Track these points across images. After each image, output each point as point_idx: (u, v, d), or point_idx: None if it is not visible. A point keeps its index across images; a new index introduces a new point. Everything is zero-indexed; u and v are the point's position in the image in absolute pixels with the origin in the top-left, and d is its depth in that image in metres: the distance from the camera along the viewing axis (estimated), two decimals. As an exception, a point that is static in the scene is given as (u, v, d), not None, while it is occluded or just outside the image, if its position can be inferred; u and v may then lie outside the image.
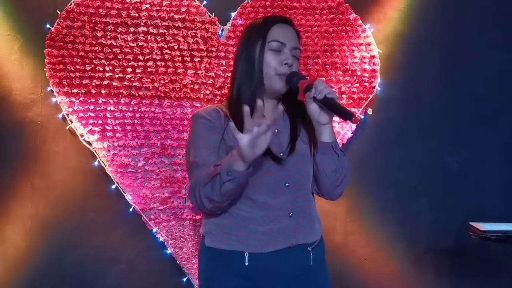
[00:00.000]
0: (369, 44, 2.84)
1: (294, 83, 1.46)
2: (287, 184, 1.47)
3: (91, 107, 2.68)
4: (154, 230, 2.77)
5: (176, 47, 2.72)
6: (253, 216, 1.42)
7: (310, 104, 1.43)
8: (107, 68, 2.68)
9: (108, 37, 2.68)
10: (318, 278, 1.46)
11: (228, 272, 1.39)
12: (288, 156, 1.47)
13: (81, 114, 2.68)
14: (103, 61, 2.68)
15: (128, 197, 2.73)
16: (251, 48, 1.48)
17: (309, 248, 1.46)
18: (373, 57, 2.84)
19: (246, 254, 1.38)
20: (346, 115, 1.38)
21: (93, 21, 2.66)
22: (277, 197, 1.44)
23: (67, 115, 2.69)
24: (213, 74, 2.75)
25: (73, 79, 2.66)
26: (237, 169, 1.29)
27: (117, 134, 2.71)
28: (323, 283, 1.50)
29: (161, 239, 2.78)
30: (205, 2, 2.75)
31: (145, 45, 2.70)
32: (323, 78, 1.45)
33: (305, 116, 1.49)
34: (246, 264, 1.37)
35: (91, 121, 2.69)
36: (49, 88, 2.68)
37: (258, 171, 1.41)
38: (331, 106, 1.41)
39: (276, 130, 1.49)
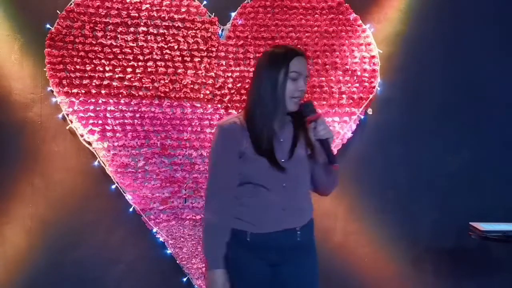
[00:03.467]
0: (369, 44, 2.84)
1: (304, 114, 1.83)
2: (284, 185, 1.84)
3: (91, 107, 2.68)
4: (154, 230, 2.77)
5: (176, 47, 2.73)
6: (257, 206, 1.85)
7: (310, 133, 1.82)
8: (107, 68, 2.68)
9: (108, 37, 2.68)
10: (304, 249, 1.91)
11: (236, 244, 1.85)
12: (288, 161, 1.84)
13: (81, 114, 2.68)
14: (103, 61, 2.68)
15: (128, 197, 2.74)
16: (276, 75, 1.82)
17: (297, 228, 1.87)
18: (373, 57, 2.84)
19: (248, 233, 1.84)
20: (329, 159, 1.78)
21: (93, 21, 2.66)
22: (275, 194, 1.84)
23: (67, 115, 2.69)
24: (213, 74, 2.75)
25: (73, 79, 2.66)
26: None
27: (117, 134, 2.71)
28: (310, 253, 1.95)
29: (161, 239, 2.78)
30: (205, 2, 2.75)
31: (145, 45, 2.71)
32: (326, 119, 1.89)
33: (306, 127, 1.84)
34: (248, 239, 1.84)
35: (91, 121, 2.69)
36: (49, 88, 2.68)
37: (264, 172, 1.81)
38: (322, 145, 1.79)
39: (281, 140, 1.86)
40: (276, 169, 1.80)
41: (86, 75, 2.67)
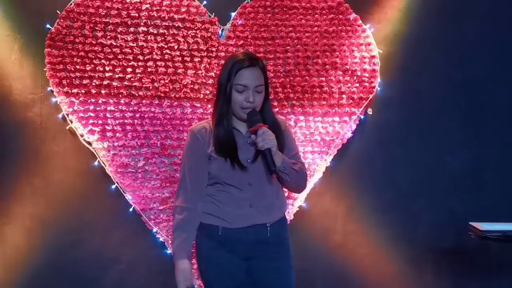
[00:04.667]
0: (369, 44, 2.84)
1: (248, 125, 1.93)
2: (250, 183, 1.95)
3: (91, 107, 2.68)
4: (154, 230, 2.77)
5: (176, 47, 2.73)
6: (226, 203, 1.96)
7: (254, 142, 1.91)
8: (107, 68, 2.68)
9: (108, 37, 2.68)
10: (275, 244, 1.98)
11: (209, 239, 1.97)
12: (253, 163, 1.95)
13: (81, 114, 2.68)
14: (103, 61, 2.68)
15: (128, 197, 2.74)
16: (225, 83, 1.93)
17: (267, 224, 1.97)
18: (373, 57, 2.84)
19: (220, 228, 1.94)
20: (269, 169, 1.88)
21: (93, 21, 2.66)
22: (242, 192, 1.95)
23: (67, 115, 2.69)
24: (213, 74, 2.75)
25: (73, 79, 2.66)
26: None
27: (117, 134, 2.71)
28: (281, 248, 2.01)
29: (161, 239, 2.78)
30: (205, 2, 2.75)
31: (145, 45, 2.71)
32: (265, 130, 1.90)
33: (275, 132, 1.93)
34: (220, 234, 1.94)
35: (91, 121, 2.69)
36: (49, 88, 2.68)
37: (231, 171, 1.92)
38: (262, 156, 1.90)
39: (248, 142, 1.95)
40: (239, 168, 1.92)
41: (86, 75, 2.67)
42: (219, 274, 1.96)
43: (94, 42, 2.66)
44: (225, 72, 1.94)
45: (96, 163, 2.72)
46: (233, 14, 2.78)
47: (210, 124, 2.02)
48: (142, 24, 2.70)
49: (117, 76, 2.69)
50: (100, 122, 2.69)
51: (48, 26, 2.64)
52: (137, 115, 2.72)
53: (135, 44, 2.70)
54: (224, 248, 1.95)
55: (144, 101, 2.73)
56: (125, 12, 2.68)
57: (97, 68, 2.67)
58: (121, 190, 2.73)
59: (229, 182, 1.95)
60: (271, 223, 1.97)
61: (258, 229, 1.96)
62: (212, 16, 2.75)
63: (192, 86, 2.74)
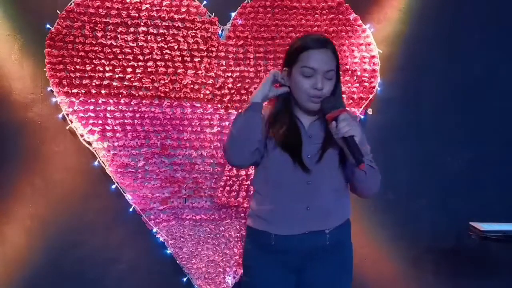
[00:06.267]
0: (369, 44, 2.84)
1: (323, 112, 1.66)
2: (309, 182, 1.70)
3: (91, 107, 2.68)
4: (154, 230, 2.77)
5: (176, 47, 2.73)
6: (280, 205, 1.71)
7: (332, 131, 1.64)
8: (107, 68, 2.68)
9: (108, 37, 2.68)
10: (335, 254, 1.73)
11: (259, 246, 1.74)
12: (315, 157, 1.70)
13: (81, 114, 2.68)
14: (103, 61, 2.68)
15: (128, 197, 2.74)
16: (290, 68, 1.71)
17: (326, 231, 1.71)
18: (373, 57, 2.84)
19: (272, 235, 1.70)
20: (356, 160, 1.58)
21: (93, 21, 2.66)
22: (298, 193, 1.70)
23: (67, 115, 2.69)
24: (213, 74, 2.75)
25: (73, 79, 2.66)
26: (252, 101, 1.70)
27: (117, 134, 2.71)
28: (342, 258, 1.77)
29: (161, 239, 2.78)
30: (205, 2, 2.75)
31: (145, 45, 2.70)
32: (347, 114, 1.65)
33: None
34: (272, 243, 1.70)
35: (91, 121, 2.69)
36: (49, 88, 2.68)
37: (291, 169, 1.69)
38: (347, 145, 1.60)
39: (310, 136, 1.73)
40: (299, 166, 1.69)
41: (86, 75, 2.67)
42: None
43: (94, 42, 2.66)
44: (289, 55, 1.72)
45: (96, 163, 2.72)
46: (233, 14, 2.78)
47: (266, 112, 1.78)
48: (142, 24, 2.70)
49: (117, 76, 2.69)
50: (100, 122, 2.69)
51: (48, 26, 2.64)
52: (137, 115, 2.72)
53: (135, 44, 2.70)
54: (275, 259, 1.72)
55: (144, 101, 2.73)
56: (125, 12, 2.68)
57: (97, 68, 2.67)
58: (121, 190, 2.73)
59: (285, 181, 1.72)
60: (330, 229, 1.73)
61: (315, 236, 1.71)
62: (212, 16, 2.75)
63: (192, 86, 2.74)
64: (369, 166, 1.71)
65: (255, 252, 1.76)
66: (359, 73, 2.83)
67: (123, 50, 2.69)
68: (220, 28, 2.78)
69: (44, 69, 2.65)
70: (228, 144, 1.75)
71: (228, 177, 2.75)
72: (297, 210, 1.71)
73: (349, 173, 1.75)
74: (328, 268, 1.74)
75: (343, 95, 2.81)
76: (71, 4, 2.65)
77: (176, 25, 2.73)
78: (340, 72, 1.78)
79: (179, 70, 2.73)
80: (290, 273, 1.73)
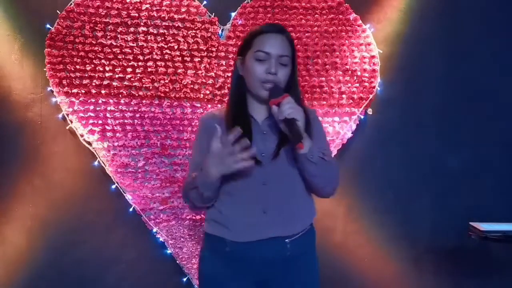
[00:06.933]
0: (369, 44, 2.84)
1: (269, 98, 1.57)
2: (265, 183, 1.58)
3: (91, 107, 2.68)
4: (154, 230, 2.77)
5: (176, 47, 2.73)
6: (233, 208, 1.59)
7: (274, 114, 1.54)
8: (107, 68, 2.68)
9: (108, 37, 2.68)
10: (299, 266, 1.60)
11: (214, 254, 1.61)
12: (272, 160, 1.59)
13: (81, 114, 2.68)
14: (103, 61, 2.68)
15: (128, 197, 2.74)
16: (243, 54, 1.63)
17: (286, 240, 1.58)
18: (373, 57, 2.84)
19: (227, 241, 1.58)
20: (294, 138, 1.48)
21: (93, 21, 2.66)
22: (254, 195, 1.58)
23: (67, 115, 2.69)
24: (213, 74, 2.75)
25: (73, 79, 2.66)
26: (209, 182, 1.53)
27: (117, 134, 2.71)
28: (306, 271, 1.64)
29: (161, 239, 2.78)
30: (205, 2, 2.75)
31: (145, 45, 2.70)
32: (290, 98, 1.53)
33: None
34: (228, 249, 1.57)
35: (91, 121, 2.69)
36: (49, 88, 2.68)
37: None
38: (288, 127, 1.50)
39: (264, 132, 1.63)
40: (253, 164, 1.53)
41: (86, 75, 2.67)
42: None
43: (94, 42, 2.66)
44: (245, 40, 1.63)
45: (96, 163, 2.72)
46: (233, 14, 2.78)
47: (220, 112, 1.71)
48: (142, 24, 2.70)
49: (117, 76, 2.69)
50: (100, 122, 2.69)
51: (48, 26, 2.64)
52: (137, 115, 2.72)
53: (135, 44, 2.70)
54: (230, 268, 1.58)
55: (144, 101, 2.73)
56: (125, 12, 2.68)
57: (97, 68, 2.67)
58: (121, 190, 2.73)
59: (240, 182, 1.58)
60: (291, 238, 1.59)
61: (274, 244, 1.57)
62: (212, 16, 2.75)
63: (192, 86, 2.74)
64: (321, 158, 1.55)
65: (212, 260, 1.62)
66: (359, 73, 2.83)
67: (123, 50, 2.69)
68: (220, 28, 2.78)
69: (44, 69, 2.65)
70: (193, 199, 1.64)
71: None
72: (252, 214, 1.57)
73: (301, 167, 1.59)
74: (291, 283, 1.61)
75: (343, 95, 2.82)
76: (71, 4, 2.65)
77: (176, 25, 2.73)
78: (297, 67, 1.70)
79: (179, 70, 2.73)
80: (250, 285, 1.59)
